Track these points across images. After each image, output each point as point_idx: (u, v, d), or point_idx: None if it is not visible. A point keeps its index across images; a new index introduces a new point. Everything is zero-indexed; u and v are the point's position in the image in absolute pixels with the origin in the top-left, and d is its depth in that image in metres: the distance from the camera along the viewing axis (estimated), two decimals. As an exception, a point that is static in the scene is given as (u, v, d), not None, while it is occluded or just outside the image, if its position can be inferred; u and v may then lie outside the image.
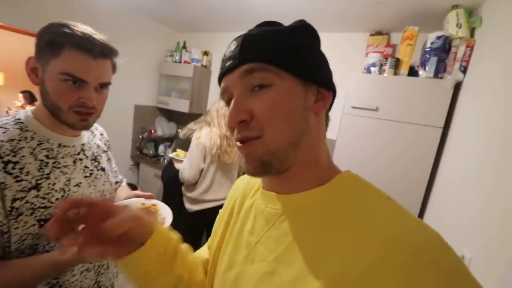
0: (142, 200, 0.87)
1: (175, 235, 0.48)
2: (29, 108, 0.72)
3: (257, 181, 0.51)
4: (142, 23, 2.69)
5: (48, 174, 0.66)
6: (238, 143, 0.40)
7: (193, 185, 1.76)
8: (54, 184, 0.66)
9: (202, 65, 2.80)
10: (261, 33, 0.39)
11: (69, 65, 0.62)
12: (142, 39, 2.74)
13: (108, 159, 0.92)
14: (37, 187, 0.63)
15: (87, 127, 0.72)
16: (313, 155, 0.41)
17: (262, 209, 0.44)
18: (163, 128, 3.09)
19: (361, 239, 0.31)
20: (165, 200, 0.85)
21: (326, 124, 0.45)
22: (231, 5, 2.02)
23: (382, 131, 1.62)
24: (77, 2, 2.13)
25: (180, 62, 2.84)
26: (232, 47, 0.40)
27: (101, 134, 0.92)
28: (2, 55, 4.14)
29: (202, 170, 1.71)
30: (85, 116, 0.68)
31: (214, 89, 2.94)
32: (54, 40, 0.61)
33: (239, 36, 0.41)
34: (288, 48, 0.38)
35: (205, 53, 2.82)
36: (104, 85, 0.69)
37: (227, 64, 0.40)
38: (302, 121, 0.39)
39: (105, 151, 0.90)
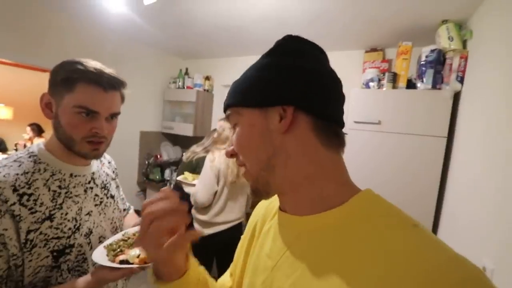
0: None
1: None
2: (40, 141, 0.74)
3: (277, 203, 0.50)
4: (146, 53, 2.82)
5: (60, 204, 0.67)
6: None
7: (205, 207, 1.73)
8: (66, 214, 0.67)
9: (205, 90, 2.89)
10: (239, 78, 0.45)
11: (82, 99, 0.65)
12: (146, 68, 2.85)
13: (117, 187, 0.93)
14: (50, 217, 0.64)
15: (99, 156, 0.74)
16: (301, 173, 0.39)
17: (279, 231, 0.44)
18: (168, 152, 3.13)
19: (388, 270, 0.29)
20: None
21: (329, 138, 0.40)
22: (229, 33, 2.13)
23: (386, 144, 1.63)
24: (86, 37, 2.26)
25: (183, 87, 2.93)
26: None
27: (109, 162, 0.94)
28: (11, 91, 4.31)
29: (215, 192, 1.70)
30: (96, 146, 0.70)
31: (217, 112, 3.01)
32: (68, 77, 0.65)
33: None
34: (240, 85, 0.43)
35: (207, 78, 2.91)
36: (114, 115, 0.72)
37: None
38: (265, 145, 0.40)
39: (113, 179, 0.91)
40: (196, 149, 2.23)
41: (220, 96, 3.01)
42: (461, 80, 1.44)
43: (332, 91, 0.42)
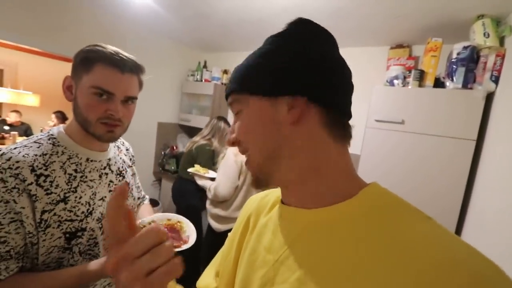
0: (168, 215, 0.87)
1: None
2: (61, 125, 0.75)
3: (273, 197, 0.50)
4: (166, 45, 2.85)
5: (75, 187, 0.68)
6: None
7: (223, 202, 1.71)
8: (80, 197, 0.68)
9: (222, 83, 2.88)
10: (242, 63, 0.43)
11: (98, 79, 0.65)
12: (165, 60, 2.88)
13: (133, 174, 0.94)
14: (64, 200, 0.65)
15: (114, 138, 0.74)
16: (309, 165, 0.38)
17: (280, 224, 0.42)
18: (184, 144, 3.16)
19: (405, 263, 0.28)
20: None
21: (338, 130, 0.39)
22: (249, 25, 2.09)
23: (409, 144, 1.54)
24: (110, 29, 2.31)
25: (201, 80, 2.94)
26: None
27: (127, 150, 0.95)
28: (39, 79, 4.52)
29: (236, 186, 1.69)
30: (111, 128, 0.70)
31: (233, 106, 3.00)
32: (86, 57, 0.66)
33: None
34: (245, 71, 0.41)
35: (225, 72, 2.90)
36: (130, 99, 0.72)
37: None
38: (274, 135, 0.39)
39: (130, 166, 0.92)
40: (195, 139, 2.27)
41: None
42: (495, 80, 1.34)
43: (342, 81, 0.40)
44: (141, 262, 0.28)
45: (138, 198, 0.97)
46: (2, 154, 0.60)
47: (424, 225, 0.31)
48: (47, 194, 0.62)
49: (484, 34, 1.39)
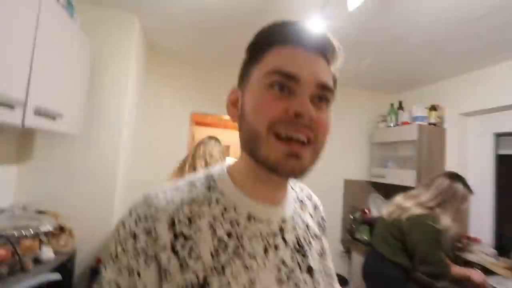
0: None
1: None
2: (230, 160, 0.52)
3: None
4: (349, 94, 2.64)
5: (223, 265, 0.37)
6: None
7: None
8: (228, 284, 0.36)
9: (430, 123, 2.13)
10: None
11: (274, 63, 0.40)
12: (349, 110, 2.63)
13: (322, 253, 0.52)
14: (203, 286, 0.35)
15: (299, 169, 0.39)
16: None
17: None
18: (379, 207, 2.51)
19: None
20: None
21: None
22: (471, 30, 1.40)
23: None
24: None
25: (397, 125, 2.35)
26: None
27: (315, 208, 0.57)
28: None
29: None
30: (294, 147, 0.37)
31: (453, 152, 2.10)
32: (257, 42, 0.44)
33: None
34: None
35: (433, 108, 2.16)
36: (325, 90, 0.39)
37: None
38: None
39: (316, 237, 0.53)
40: (404, 203, 1.73)
41: (456, 130, 2.11)
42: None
43: None
44: None
45: None
46: (146, 196, 0.41)
47: None
48: (181, 269, 0.35)
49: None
